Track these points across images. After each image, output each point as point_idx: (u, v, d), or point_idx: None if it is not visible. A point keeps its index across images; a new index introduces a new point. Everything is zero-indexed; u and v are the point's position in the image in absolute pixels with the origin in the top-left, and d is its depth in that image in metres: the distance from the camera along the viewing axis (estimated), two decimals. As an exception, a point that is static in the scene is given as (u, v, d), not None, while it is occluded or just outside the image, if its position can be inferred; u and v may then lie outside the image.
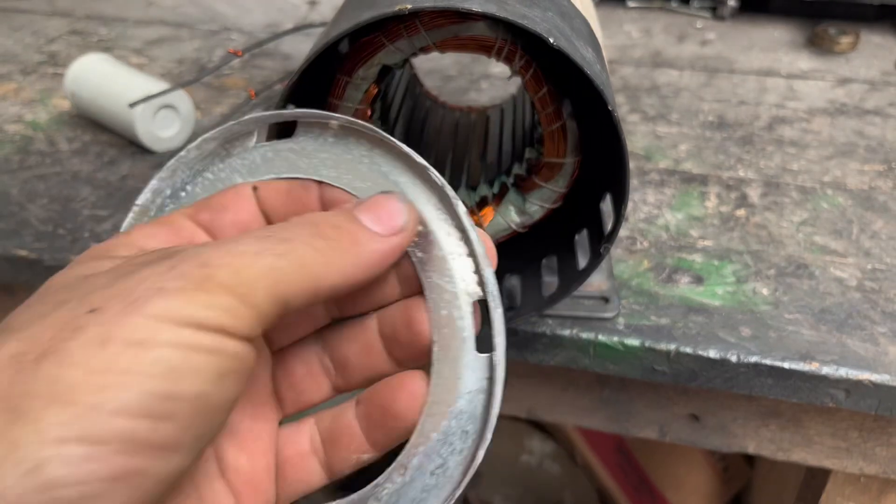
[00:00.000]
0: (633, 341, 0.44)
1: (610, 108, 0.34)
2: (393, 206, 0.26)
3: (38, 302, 0.23)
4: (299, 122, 0.30)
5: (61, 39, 0.84)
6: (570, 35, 0.35)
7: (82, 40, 0.84)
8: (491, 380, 0.26)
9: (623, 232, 0.53)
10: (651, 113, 0.69)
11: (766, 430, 0.51)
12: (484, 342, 0.27)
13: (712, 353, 0.43)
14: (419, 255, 0.27)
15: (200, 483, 0.25)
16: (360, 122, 0.29)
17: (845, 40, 0.81)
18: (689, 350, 0.44)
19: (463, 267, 0.27)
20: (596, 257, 0.39)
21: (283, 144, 0.30)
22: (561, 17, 0.37)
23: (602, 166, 0.42)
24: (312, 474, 0.28)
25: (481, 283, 0.27)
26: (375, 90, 0.41)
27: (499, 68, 0.77)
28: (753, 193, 0.57)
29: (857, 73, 0.76)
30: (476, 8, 0.32)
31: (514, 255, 0.46)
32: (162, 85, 0.61)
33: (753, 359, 0.43)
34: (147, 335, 0.20)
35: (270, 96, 0.67)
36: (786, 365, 0.43)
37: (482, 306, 0.27)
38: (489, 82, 0.74)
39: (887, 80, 0.75)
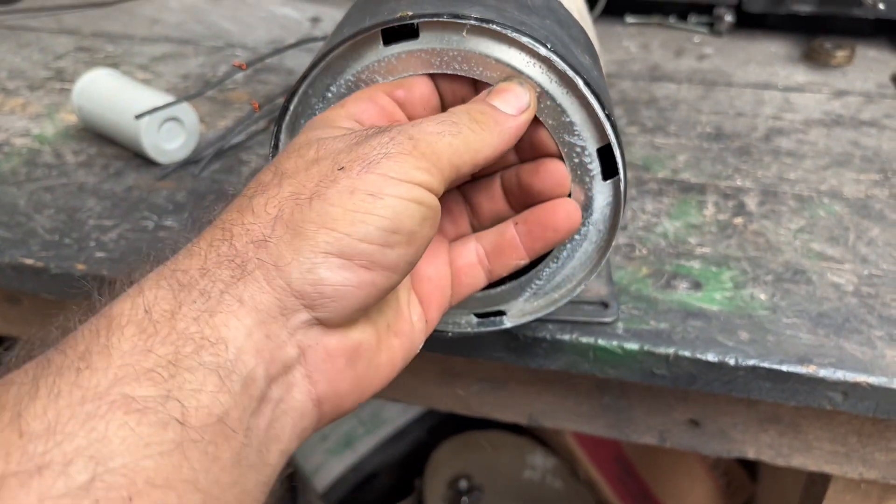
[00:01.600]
0: (633, 345, 0.45)
1: (606, 112, 0.35)
2: (516, 90, 0.34)
3: (294, 154, 0.31)
4: (422, 26, 0.35)
5: (68, 56, 0.85)
6: (568, 42, 0.36)
7: (89, 57, 0.85)
8: (615, 196, 0.37)
9: (622, 239, 0.54)
10: (649, 125, 0.70)
11: (766, 436, 0.51)
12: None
13: (711, 357, 0.44)
14: (550, 122, 0.36)
15: (400, 295, 0.35)
16: (488, 21, 0.33)
17: (841, 54, 0.82)
18: (687, 353, 0.44)
19: (585, 125, 0.36)
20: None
21: (412, 45, 0.35)
22: (559, 24, 0.38)
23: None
24: (477, 278, 0.38)
25: (603, 134, 0.36)
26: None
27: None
28: (751, 202, 0.58)
29: (852, 86, 0.77)
30: (475, 16, 0.33)
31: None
32: (167, 98, 0.62)
33: (751, 362, 0.43)
34: (380, 188, 0.29)
35: (273, 109, 0.68)
36: (784, 368, 0.43)
37: (603, 150, 0.36)
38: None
39: (883, 92, 0.76)
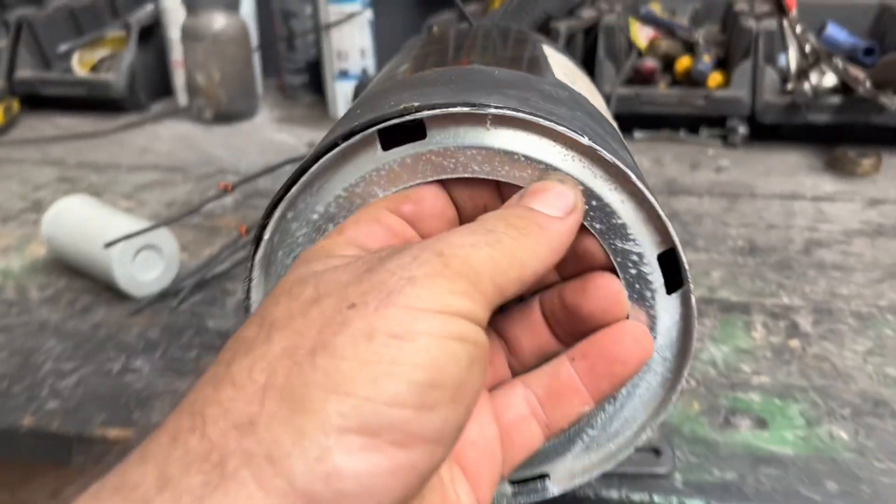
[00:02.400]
0: (697, 502, 0.36)
1: (663, 211, 0.28)
2: (558, 188, 0.27)
3: (285, 296, 0.24)
4: (430, 122, 0.28)
5: (48, 186, 0.80)
6: (604, 135, 0.30)
7: (71, 187, 0.80)
8: (684, 312, 0.30)
9: (664, 369, 0.46)
10: (675, 240, 0.64)
11: None
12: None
13: (796, 515, 0.35)
14: (597, 226, 0.29)
15: (441, 472, 0.26)
16: (514, 110, 0.28)
17: (867, 162, 0.78)
18: (766, 512, 0.36)
19: (643, 227, 0.29)
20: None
21: (419, 146, 0.29)
22: (590, 117, 0.32)
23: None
24: (533, 435, 0.29)
25: (665, 235, 0.29)
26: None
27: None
28: (804, 321, 0.51)
29: (886, 194, 0.72)
30: (495, 105, 0.27)
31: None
32: (143, 225, 0.56)
33: (848, 521, 0.35)
34: (407, 326, 0.21)
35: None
36: (889, 528, 0.34)
37: (665, 256, 0.29)
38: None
39: (920, 199, 0.70)
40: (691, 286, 0.29)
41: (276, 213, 0.30)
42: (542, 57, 0.41)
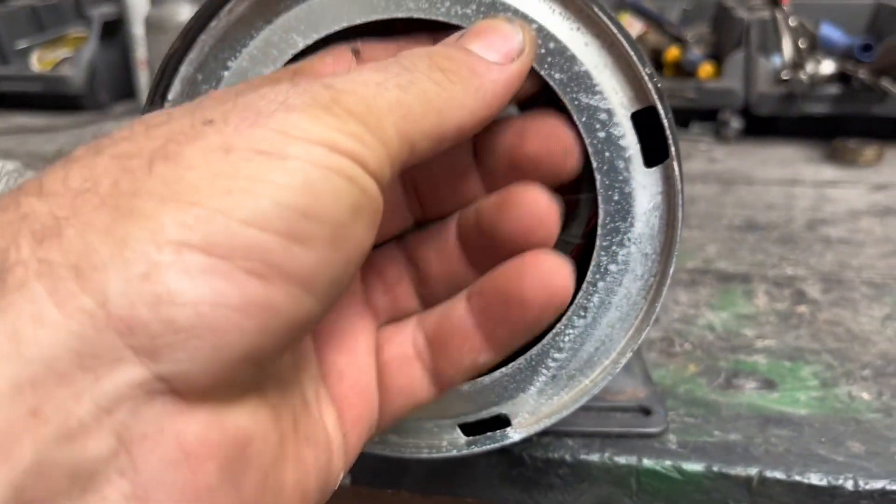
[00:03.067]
0: (695, 465, 0.30)
1: (641, 60, 0.23)
2: (504, 28, 0.22)
3: (136, 124, 0.18)
4: None
5: (-10, 174, 0.74)
6: None
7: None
8: (667, 191, 0.24)
9: (654, 333, 0.40)
10: (665, 218, 0.58)
11: None
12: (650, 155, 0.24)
13: (815, 479, 0.29)
14: (557, 76, 0.23)
15: (305, 384, 0.21)
16: None
17: (869, 152, 0.73)
18: (779, 475, 0.29)
19: (612, 78, 0.23)
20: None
21: None
22: None
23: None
24: (417, 383, 0.24)
25: (640, 90, 0.23)
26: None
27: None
28: (812, 290, 0.45)
29: (891, 180, 0.67)
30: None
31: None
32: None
33: (880, 484, 0.28)
34: (277, 147, 0.17)
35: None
36: (932, 492, 0.28)
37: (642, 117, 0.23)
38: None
39: (929, 184, 0.65)
40: (675, 155, 0.24)
41: (181, 70, 0.24)
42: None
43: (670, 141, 0.23)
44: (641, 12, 0.86)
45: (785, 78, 0.78)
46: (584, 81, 0.23)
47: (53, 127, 0.90)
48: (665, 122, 0.23)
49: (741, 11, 0.83)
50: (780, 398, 0.34)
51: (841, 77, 0.77)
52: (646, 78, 0.23)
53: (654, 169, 0.24)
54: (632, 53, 0.23)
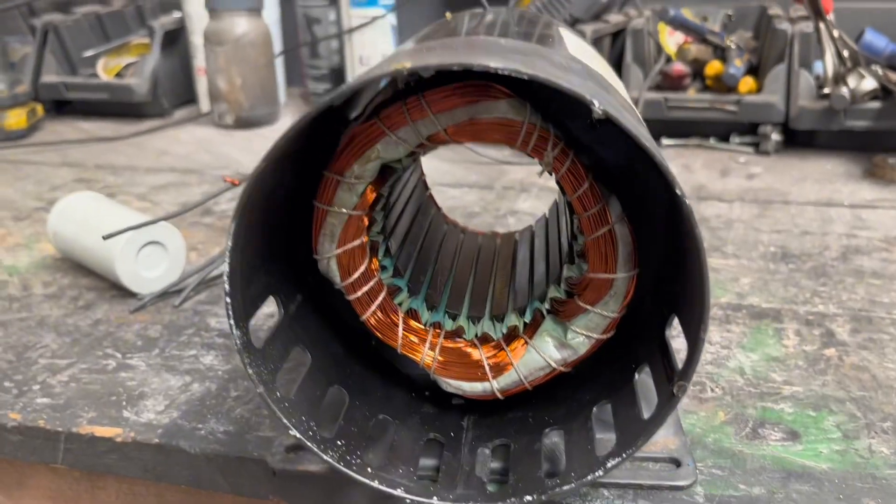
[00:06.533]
0: (720, 519, 0.33)
1: (678, 191, 0.26)
2: None
3: None
4: None
5: (65, 187, 0.79)
6: (618, 107, 0.28)
7: (86, 187, 0.79)
8: None
9: (687, 377, 0.43)
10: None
11: None
12: None
13: (831, 536, 0.32)
14: None
15: None
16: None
17: (909, 169, 0.74)
18: (797, 531, 0.32)
19: None
20: (668, 400, 0.29)
21: None
22: (598, 85, 0.30)
23: (664, 281, 0.33)
24: None
25: None
26: (374, 194, 0.33)
27: (528, 203, 0.70)
28: (841, 330, 0.47)
29: (930, 202, 0.68)
30: (495, 64, 0.25)
31: (556, 401, 0.36)
32: (147, 220, 0.55)
33: (890, 543, 0.31)
34: None
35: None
36: (937, 552, 0.31)
37: None
38: (517, 218, 0.67)
39: (967, 207, 0.66)
40: None
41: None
42: (557, 35, 0.38)
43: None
44: (683, 25, 0.87)
45: (826, 93, 0.79)
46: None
47: (121, 136, 0.95)
48: None
49: (784, 23, 0.84)
50: (804, 451, 0.37)
51: (883, 91, 0.78)
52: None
53: None
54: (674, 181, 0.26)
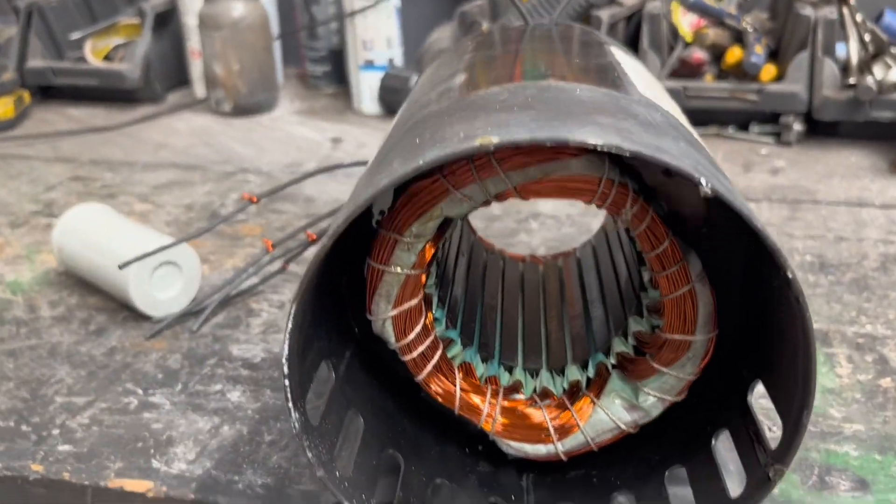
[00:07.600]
0: (799, 587, 0.31)
1: (789, 274, 0.23)
2: None
3: None
4: None
5: (61, 187, 0.76)
6: (716, 173, 0.25)
7: (84, 187, 0.76)
8: None
9: (742, 413, 0.41)
10: (736, 254, 0.59)
11: None
12: None
13: None
14: None
15: None
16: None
17: (937, 164, 0.72)
18: None
19: None
20: (762, 484, 0.27)
21: None
22: (689, 145, 0.27)
23: (744, 340, 0.31)
24: None
25: None
26: (433, 250, 0.30)
27: (549, 205, 0.68)
28: (894, 356, 0.46)
29: (961, 201, 0.66)
30: (594, 141, 0.22)
31: (621, 460, 0.34)
32: (163, 239, 0.52)
33: None
34: None
35: (292, 247, 0.56)
36: None
37: None
38: (539, 222, 0.65)
39: None
40: None
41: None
42: (616, 64, 0.35)
43: None
44: (699, 7, 0.84)
45: (851, 83, 0.77)
46: None
47: (114, 125, 0.91)
48: None
49: (807, 8, 0.81)
50: (875, 502, 0.35)
51: (910, 81, 0.76)
52: None
53: None
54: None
